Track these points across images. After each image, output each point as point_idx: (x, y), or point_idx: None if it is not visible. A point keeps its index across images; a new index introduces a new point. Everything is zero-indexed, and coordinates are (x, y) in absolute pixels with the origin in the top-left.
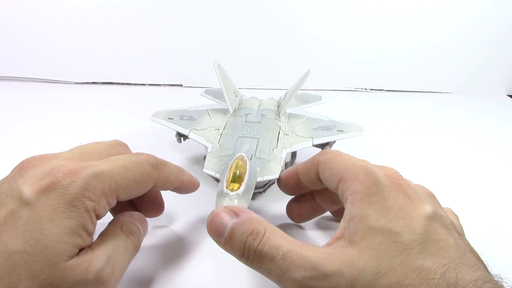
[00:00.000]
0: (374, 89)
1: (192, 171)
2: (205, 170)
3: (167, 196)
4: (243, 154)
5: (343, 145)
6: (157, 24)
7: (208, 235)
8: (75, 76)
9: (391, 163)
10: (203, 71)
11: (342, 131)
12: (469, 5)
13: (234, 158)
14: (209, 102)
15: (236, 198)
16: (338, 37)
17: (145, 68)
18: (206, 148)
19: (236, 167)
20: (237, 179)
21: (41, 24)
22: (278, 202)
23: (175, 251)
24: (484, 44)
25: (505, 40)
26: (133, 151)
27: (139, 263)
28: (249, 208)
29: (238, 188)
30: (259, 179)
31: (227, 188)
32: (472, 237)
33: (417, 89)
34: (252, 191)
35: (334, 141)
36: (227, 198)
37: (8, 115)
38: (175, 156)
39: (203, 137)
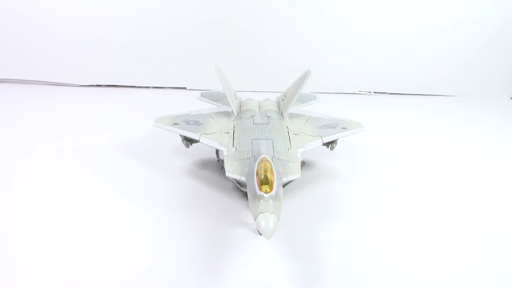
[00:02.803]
0: (377, 92)
1: (202, 177)
2: (227, 174)
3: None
4: (267, 156)
5: (347, 146)
6: (161, 28)
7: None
8: (80, 79)
9: (393, 164)
10: (207, 74)
11: (346, 128)
12: (473, 8)
13: (258, 160)
14: (210, 105)
15: (271, 199)
16: (341, 39)
17: (149, 71)
18: (221, 152)
19: (264, 170)
20: (266, 181)
21: (45, 27)
22: (295, 196)
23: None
24: (488, 47)
25: (509, 43)
26: (139, 157)
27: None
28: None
29: (271, 189)
30: (284, 179)
31: (260, 190)
32: (476, 237)
33: (420, 92)
34: (282, 191)
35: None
36: (261, 200)
37: (13, 117)
38: (182, 161)
39: (216, 141)
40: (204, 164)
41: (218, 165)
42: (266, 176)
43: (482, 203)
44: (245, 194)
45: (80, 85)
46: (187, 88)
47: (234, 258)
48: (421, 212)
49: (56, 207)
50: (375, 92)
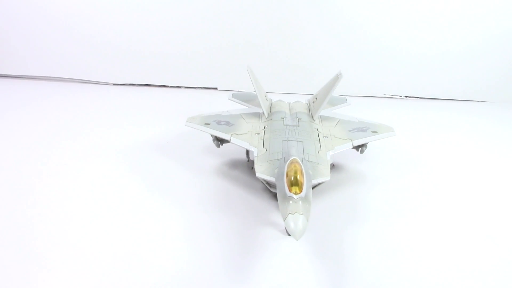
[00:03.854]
0: (408, 96)
1: (232, 176)
2: (258, 174)
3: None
4: (297, 158)
5: (377, 149)
6: (194, 30)
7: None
8: (114, 78)
9: (423, 170)
10: (238, 75)
11: (376, 132)
12: (508, 12)
13: (288, 162)
14: (241, 106)
15: (301, 200)
16: (373, 43)
17: (181, 71)
18: (251, 152)
19: (294, 171)
20: (296, 182)
21: (81, 28)
22: (323, 199)
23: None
24: None
25: None
26: (170, 156)
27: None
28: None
29: (300, 191)
30: (313, 181)
31: (290, 192)
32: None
33: (452, 97)
34: (311, 193)
35: (368, 142)
36: (291, 201)
37: (49, 114)
38: (213, 161)
39: (246, 142)
40: (234, 164)
41: (248, 165)
42: (296, 178)
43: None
44: (274, 195)
45: (114, 84)
46: (218, 89)
47: (262, 258)
48: (450, 219)
49: (88, 205)
50: (406, 96)
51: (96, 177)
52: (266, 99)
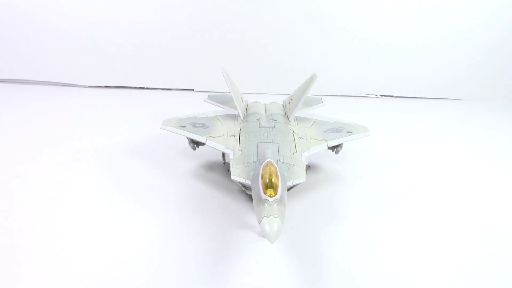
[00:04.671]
0: (384, 95)
1: (209, 179)
2: (233, 177)
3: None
4: (272, 160)
5: (353, 149)
6: (169, 30)
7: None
8: (88, 80)
9: (399, 168)
10: (214, 76)
11: (351, 132)
12: (481, 12)
13: (263, 164)
14: (217, 108)
15: (276, 203)
16: (348, 42)
17: (157, 72)
18: (227, 155)
19: (269, 173)
20: (271, 184)
21: (54, 29)
22: (299, 200)
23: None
24: (495, 50)
25: None
26: (146, 159)
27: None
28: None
29: (275, 193)
30: (288, 183)
31: (265, 194)
32: (482, 243)
33: (427, 95)
34: (286, 195)
35: (343, 143)
36: (266, 204)
37: (21, 117)
38: (189, 163)
39: (222, 144)
40: (211, 166)
41: (224, 167)
42: (271, 180)
43: (489, 208)
44: (250, 197)
45: (89, 86)
46: (194, 90)
47: (238, 260)
48: (426, 217)
49: (61, 208)
50: (381, 95)
51: (68, 181)
52: (242, 101)
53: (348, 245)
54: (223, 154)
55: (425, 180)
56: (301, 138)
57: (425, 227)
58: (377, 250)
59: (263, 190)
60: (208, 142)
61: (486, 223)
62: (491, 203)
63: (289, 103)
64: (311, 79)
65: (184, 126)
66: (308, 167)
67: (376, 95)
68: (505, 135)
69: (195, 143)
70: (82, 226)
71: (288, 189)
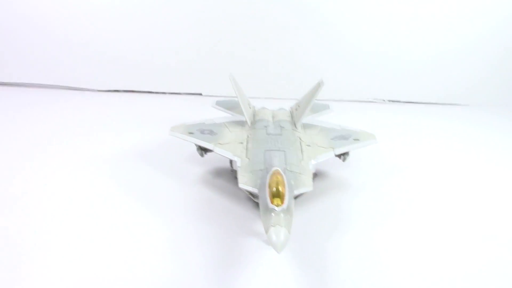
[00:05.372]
0: (391, 100)
1: (216, 185)
2: (240, 185)
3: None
4: (279, 169)
5: (360, 155)
6: (177, 35)
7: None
8: (98, 84)
9: (407, 174)
10: (222, 80)
11: (358, 139)
12: (489, 17)
13: (270, 173)
14: (225, 114)
15: (282, 212)
16: (357, 47)
17: (166, 77)
18: (234, 162)
19: (276, 183)
20: (278, 194)
21: (64, 33)
22: (306, 208)
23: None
24: (503, 56)
25: None
26: (154, 164)
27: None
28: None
29: (282, 202)
30: (295, 192)
31: (272, 203)
32: (493, 250)
33: (435, 101)
34: (293, 204)
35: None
36: (273, 214)
37: (31, 121)
38: (197, 169)
39: (230, 151)
40: (218, 173)
41: (231, 174)
42: (278, 189)
43: (498, 215)
44: (257, 204)
45: (98, 90)
46: (203, 94)
47: (245, 268)
48: (434, 225)
49: (70, 214)
50: (389, 101)
51: (78, 186)
52: (249, 107)
53: (354, 254)
54: (231, 161)
55: (433, 186)
56: (308, 145)
57: (433, 235)
58: (384, 259)
59: (270, 199)
60: (217, 149)
61: (495, 230)
62: (501, 210)
63: (296, 109)
64: (318, 86)
65: (192, 133)
66: (315, 175)
67: (383, 100)
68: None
69: (203, 150)
70: (91, 232)
71: (295, 198)
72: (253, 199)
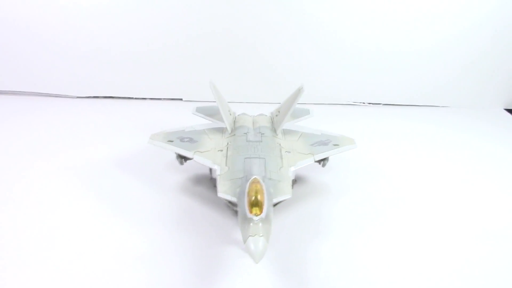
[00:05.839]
0: (372, 103)
1: (196, 193)
2: (219, 194)
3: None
4: (258, 177)
5: (340, 159)
6: (157, 39)
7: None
8: (77, 90)
9: (387, 178)
10: (203, 85)
11: (338, 145)
12: (466, 19)
13: (250, 181)
14: (205, 121)
15: (261, 222)
16: (336, 50)
17: (146, 82)
18: (214, 170)
19: (255, 191)
20: (256, 203)
21: (41, 38)
22: (286, 214)
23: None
24: (482, 58)
25: (502, 54)
26: (133, 172)
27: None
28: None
29: (261, 212)
30: (274, 200)
31: (250, 213)
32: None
33: (415, 103)
34: (272, 212)
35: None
36: (251, 223)
37: (8, 129)
38: (177, 177)
39: (209, 160)
40: (198, 180)
41: (211, 182)
42: (256, 198)
43: (478, 217)
44: (237, 212)
45: (77, 97)
46: (183, 100)
47: (225, 277)
48: (415, 228)
49: (46, 223)
50: (369, 103)
51: (54, 195)
52: (230, 114)
53: (335, 259)
54: (210, 169)
55: (414, 189)
56: (288, 152)
57: (414, 238)
58: (365, 263)
59: (249, 209)
60: (196, 158)
61: (476, 231)
62: (480, 211)
63: (276, 115)
64: (298, 92)
65: (172, 141)
66: (294, 181)
67: (364, 103)
68: (492, 142)
69: (183, 158)
70: (68, 242)
71: (274, 205)
72: (232, 208)
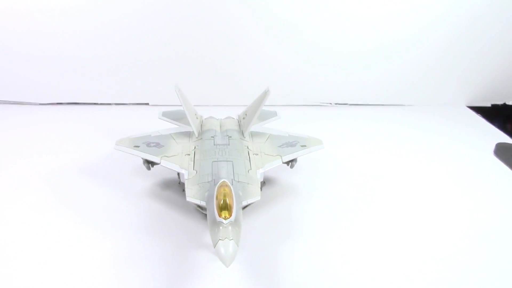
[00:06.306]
0: (338, 103)
1: (165, 198)
2: (188, 198)
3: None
4: (226, 180)
5: (309, 160)
6: (121, 44)
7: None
8: (39, 97)
9: (355, 177)
10: (169, 89)
11: (305, 146)
12: (427, 18)
13: (218, 185)
14: (171, 125)
15: (230, 225)
16: (301, 52)
17: (111, 87)
18: (181, 175)
19: (223, 195)
20: (225, 206)
21: (2, 44)
22: (255, 216)
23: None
24: (444, 56)
25: (464, 53)
26: (99, 178)
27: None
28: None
29: (230, 215)
30: (243, 203)
31: (219, 217)
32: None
33: (380, 102)
34: (241, 215)
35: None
36: (221, 227)
37: None
38: (144, 182)
39: (177, 164)
40: (167, 184)
41: (179, 187)
42: (225, 201)
43: (442, 214)
44: (206, 216)
45: (40, 104)
46: (149, 104)
47: (195, 281)
48: (383, 226)
49: (9, 232)
50: (336, 104)
51: (19, 205)
52: (196, 117)
53: (305, 261)
54: (178, 174)
55: (381, 188)
56: (255, 154)
57: (384, 237)
58: (335, 264)
59: (218, 212)
60: (163, 163)
61: (442, 227)
62: (444, 206)
63: (243, 118)
64: (265, 94)
65: (138, 146)
66: (263, 183)
67: (330, 103)
68: (455, 139)
69: (150, 163)
70: (32, 252)
71: (244, 208)
72: (201, 211)
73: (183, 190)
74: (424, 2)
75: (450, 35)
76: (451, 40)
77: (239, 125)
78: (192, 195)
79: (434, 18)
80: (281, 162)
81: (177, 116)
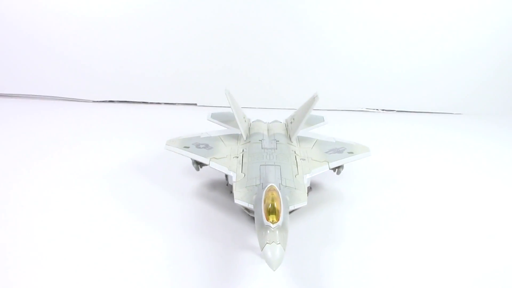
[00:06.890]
0: (385, 110)
1: (212, 198)
2: (236, 201)
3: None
4: (274, 185)
5: (355, 167)
6: (173, 46)
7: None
8: (93, 95)
9: (401, 185)
10: (216, 90)
11: (352, 152)
12: (481, 26)
13: (266, 189)
14: (220, 127)
15: (278, 229)
16: (351, 57)
17: (161, 87)
18: (230, 177)
19: (271, 199)
20: (273, 210)
21: (60, 44)
22: (300, 221)
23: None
24: (495, 65)
25: None
26: (150, 177)
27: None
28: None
29: (278, 219)
30: (290, 208)
31: (267, 220)
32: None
33: (428, 110)
34: (289, 219)
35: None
36: (268, 231)
37: (26, 133)
38: (192, 182)
39: (225, 166)
40: (214, 185)
41: (227, 188)
42: (273, 206)
43: (493, 225)
44: (252, 218)
45: (93, 101)
46: (197, 104)
47: (240, 282)
48: (428, 236)
49: (67, 228)
50: (382, 110)
51: (74, 200)
52: (245, 121)
53: (347, 266)
54: (226, 175)
55: (427, 197)
56: (303, 159)
57: (427, 247)
58: (377, 271)
59: (266, 216)
60: (212, 164)
61: (490, 239)
62: (495, 219)
63: (291, 122)
64: (313, 100)
65: (188, 147)
66: (310, 189)
67: (377, 109)
68: (506, 149)
69: (199, 164)
70: (88, 247)
71: (290, 212)
72: (248, 214)
73: (231, 192)
74: (485, 11)
75: (504, 45)
76: (505, 50)
77: (287, 130)
78: (240, 198)
79: (488, 27)
80: (328, 168)
81: (225, 118)
